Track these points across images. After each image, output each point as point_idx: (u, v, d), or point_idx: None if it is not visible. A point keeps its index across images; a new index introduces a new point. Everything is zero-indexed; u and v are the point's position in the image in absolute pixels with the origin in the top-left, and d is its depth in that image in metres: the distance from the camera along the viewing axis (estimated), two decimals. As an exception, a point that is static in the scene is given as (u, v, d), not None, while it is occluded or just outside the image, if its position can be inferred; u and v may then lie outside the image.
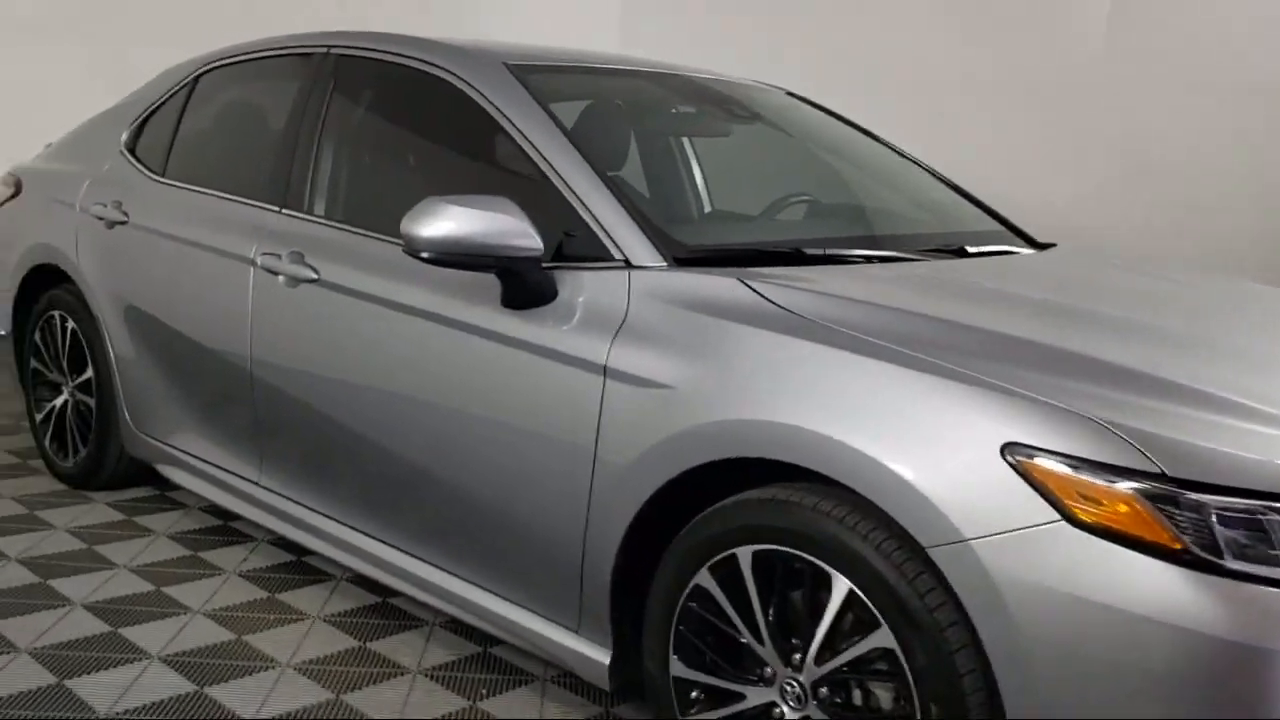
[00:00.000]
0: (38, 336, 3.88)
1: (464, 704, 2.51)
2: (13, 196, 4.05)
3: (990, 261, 2.72)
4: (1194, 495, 1.61)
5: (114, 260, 3.51)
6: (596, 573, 2.20)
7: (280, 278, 2.86)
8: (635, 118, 3.20)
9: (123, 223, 3.48)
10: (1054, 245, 3.07)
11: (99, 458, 3.68)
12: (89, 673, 2.55)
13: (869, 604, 1.80)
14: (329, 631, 2.82)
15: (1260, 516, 1.61)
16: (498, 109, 2.58)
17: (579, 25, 6.61)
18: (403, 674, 2.63)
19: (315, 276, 2.76)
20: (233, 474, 3.16)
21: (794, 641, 1.94)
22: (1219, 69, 5.68)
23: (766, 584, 1.95)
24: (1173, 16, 5.89)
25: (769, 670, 1.97)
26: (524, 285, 2.31)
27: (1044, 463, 1.66)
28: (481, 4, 6.93)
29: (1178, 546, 1.60)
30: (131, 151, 3.66)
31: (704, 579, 2.02)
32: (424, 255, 2.25)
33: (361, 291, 2.65)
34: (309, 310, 2.79)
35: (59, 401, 3.83)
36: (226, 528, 3.50)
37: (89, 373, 3.66)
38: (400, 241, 2.51)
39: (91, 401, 3.66)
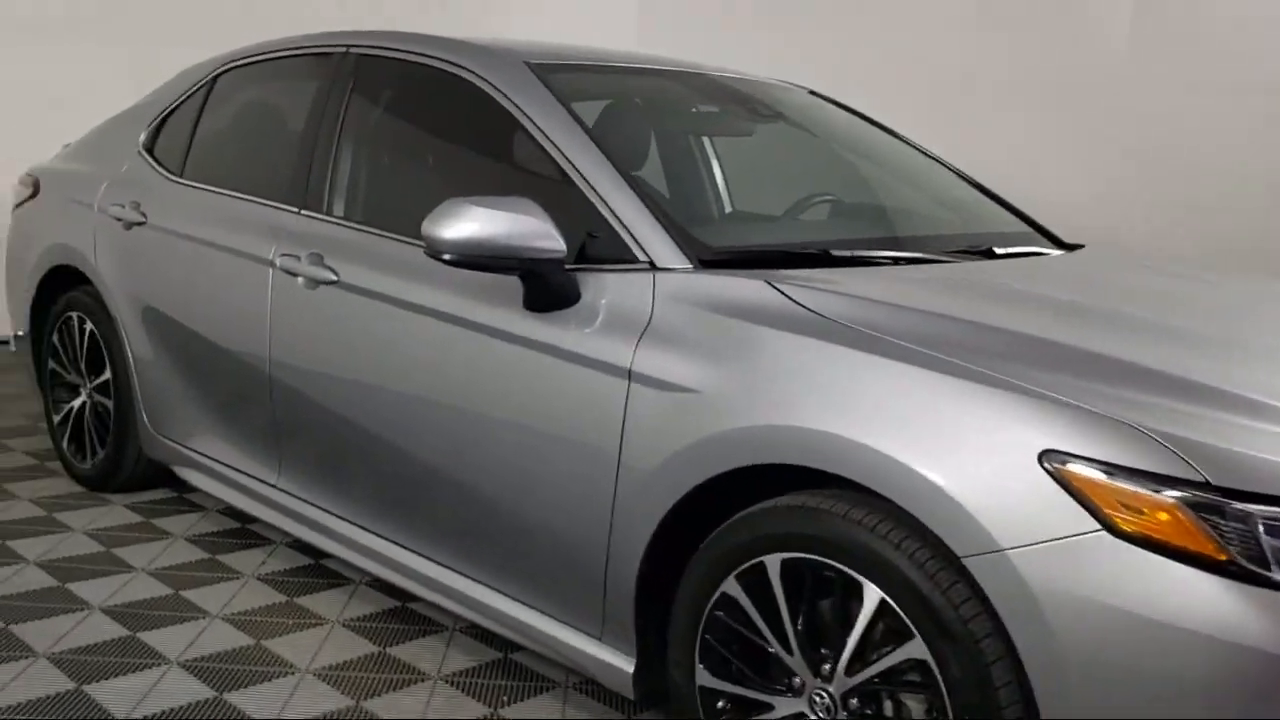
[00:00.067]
0: (56, 338, 3.87)
1: (485, 711, 2.48)
2: (31, 197, 4.04)
3: (1019, 263, 2.68)
4: (1240, 505, 1.56)
5: (132, 261, 3.50)
6: (620, 579, 2.16)
7: (299, 279, 2.83)
8: (656, 117, 3.17)
9: (141, 224, 3.46)
10: (1082, 246, 3.02)
11: (117, 460, 3.66)
12: (108, 678, 2.52)
13: (901, 614, 1.76)
14: (348, 636, 2.79)
15: None
16: (519, 109, 2.54)
17: (595, 24, 6.58)
18: (423, 680, 2.60)
19: (335, 278, 2.74)
20: (251, 477, 3.14)
21: (823, 651, 1.90)
22: (1242, 68, 5.62)
23: (795, 592, 1.91)
24: (1196, 15, 5.82)
25: (798, 680, 1.93)
26: (546, 287, 2.28)
27: (1083, 470, 1.62)
28: (497, 3, 6.91)
29: (1223, 558, 1.55)
30: (149, 152, 3.65)
31: (731, 587, 1.98)
32: (446, 257, 2.22)
33: (381, 293, 2.62)
34: (328, 312, 2.77)
35: (77, 403, 3.81)
36: (244, 530, 3.48)
37: (107, 374, 3.64)
38: (420, 243, 2.48)
39: (109, 403, 3.64)
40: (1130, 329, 2.14)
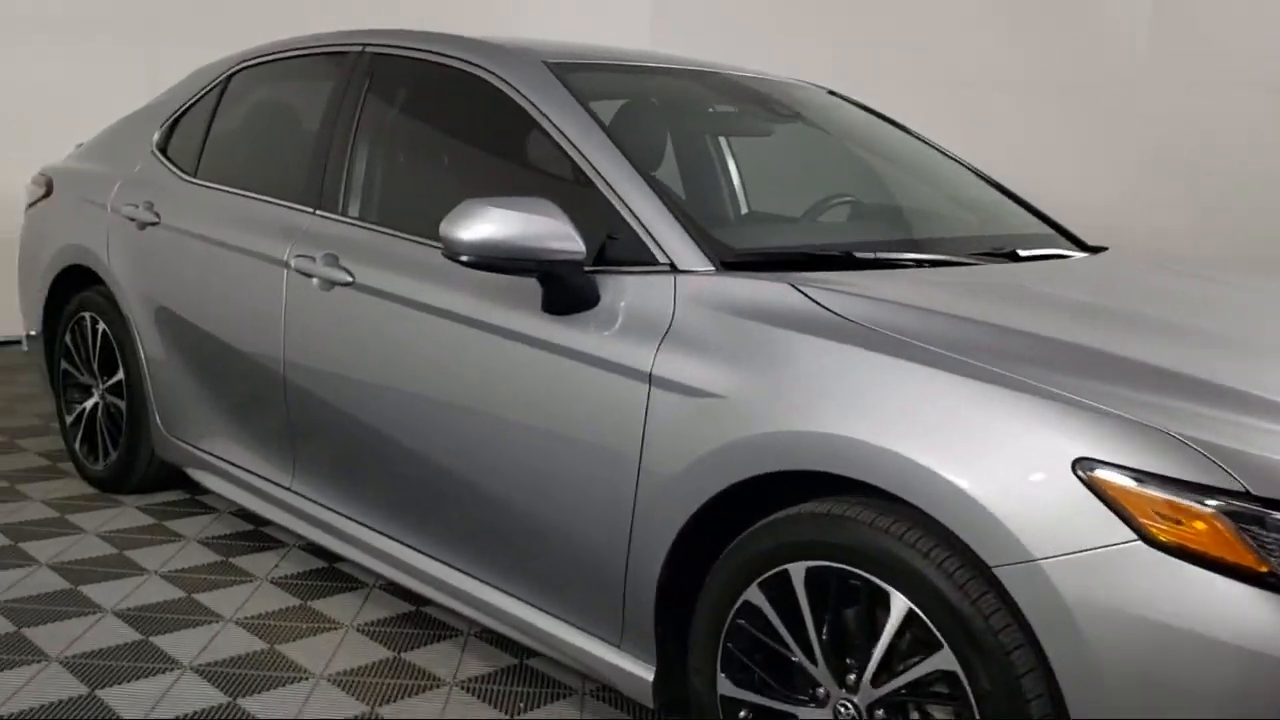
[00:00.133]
0: (68, 338, 3.85)
1: (502, 717, 2.45)
2: (44, 197, 4.02)
3: (1044, 266, 2.64)
4: (1281, 515, 1.52)
5: (145, 261, 3.48)
6: (640, 586, 2.13)
7: (314, 280, 2.81)
8: (674, 117, 3.14)
9: (154, 224, 3.44)
10: (1105, 249, 2.98)
11: (129, 461, 3.64)
12: (120, 682, 2.50)
13: (930, 624, 1.73)
14: (362, 641, 2.76)
15: None
16: (537, 108, 2.51)
17: (609, 24, 6.56)
18: (438, 686, 2.57)
19: (350, 279, 2.71)
20: (265, 479, 3.11)
21: (849, 661, 1.86)
22: (1263, 67, 5.56)
23: (820, 601, 1.87)
24: (1216, 14, 5.76)
25: (822, 690, 1.90)
26: (565, 289, 2.25)
27: (1118, 479, 1.58)
28: (508, 3, 6.89)
29: (1263, 569, 1.51)
30: (163, 152, 3.63)
31: (754, 595, 1.95)
32: (464, 258, 2.19)
33: (397, 295, 2.59)
34: (344, 314, 2.74)
35: (89, 404, 3.80)
36: (257, 533, 3.45)
37: (119, 375, 3.62)
38: (437, 244, 2.46)
39: (122, 404, 3.63)
40: (1160, 333, 2.10)
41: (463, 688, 2.57)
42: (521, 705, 2.50)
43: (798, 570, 1.88)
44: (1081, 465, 1.61)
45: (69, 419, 3.89)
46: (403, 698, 2.50)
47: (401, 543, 2.70)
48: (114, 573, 3.10)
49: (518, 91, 2.57)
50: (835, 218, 3.02)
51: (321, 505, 2.93)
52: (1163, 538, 1.55)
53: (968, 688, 1.70)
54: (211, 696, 2.46)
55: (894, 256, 2.42)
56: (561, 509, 2.27)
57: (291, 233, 2.94)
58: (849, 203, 3.07)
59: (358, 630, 2.82)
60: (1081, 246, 2.98)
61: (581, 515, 2.23)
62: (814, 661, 1.89)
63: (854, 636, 1.85)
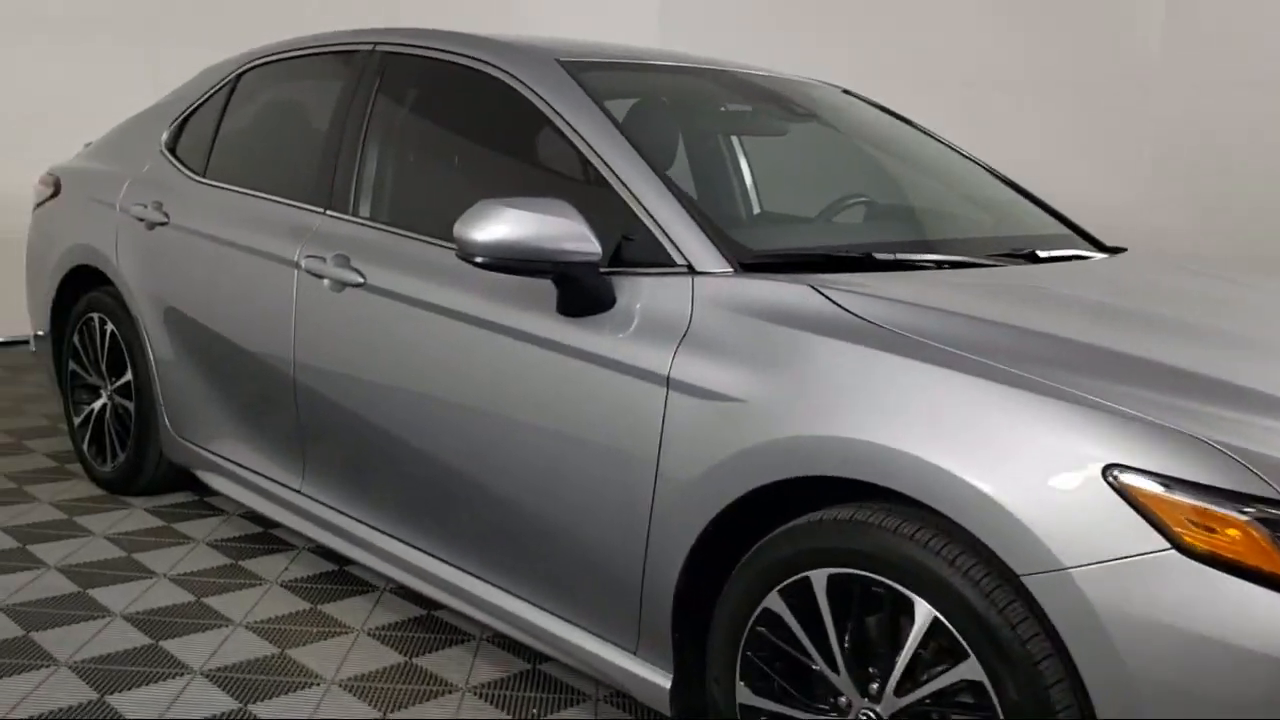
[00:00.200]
0: (76, 339, 3.83)
1: (515, 725, 2.42)
2: (52, 196, 4.00)
3: (1065, 267, 2.60)
4: (1318, 523, 1.49)
5: (154, 262, 3.45)
6: (657, 592, 2.10)
7: (325, 281, 2.78)
8: (688, 116, 3.11)
9: (163, 224, 3.42)
10: (1123, 249, 2.94)
11: (138, 463, 3.62)
12: (130, 688, 2.48)
13: (955, 633, 1.70)
14: (374, 646, 2.73)
15: None
16: (551, 107, 2.48)
17: (616, 23, 6.52)
18: (451, 691, 2.54)
19: (361, 280, 2.68)
20: (274, 481, 3.08)
21: (871, 670, 1.83)
22: (1268, 68, 5.51)
23: (842, 609, 1.84)
24: (1230, 15, 5.72)
25: (843, 700, 1.86)
26: (581, 291, 2.22)
27: (1150, 486, 1.55)
28: (515, 2, 6.86)
29: (1300, 579, 1.48)
30: (172, 151, 3.60)
31: (774, 602, 1.91)
32: (478, 260, 2.16)
33: (410, 296, 2.56)
34: (355, 315, 2.71)
35: (97, 405, 3.77)
36: (266, 535, 3.43)
37: (128, 376, 3.60)
38: (449, 244, 2.43)
39: (130, 405, 3.60)
40: (1185, 335, 2.07)
41: (475, 693, 2.54)
42: (535, 711, 2.47)
43: (819, 577, 1.85)
44: (1112, 471, 1.57)
45: (77, 420, 3.87)
46: (415, 703, 2.48)
47: (413, 546, 2.67)
48: (123, 575, 3.08)
49: (531, 90, 2.54)
50: (850, 218, 2.99)
51: (332, 508, 2.90)
52: (1196, 546, 1.52)
53: (995, 698, 1.66)
54: (222, 702, 2.43)
55: (913, 258, 2.38)
56: (576, 513, 2.24)
57: (302, 233, 2.92)
58: (864, 203, 3.04)
59: (369, 634, 2.80)
60: (1099, 247, 2.95)
61: (596, 519, 2.20)
62: (835, 670, 1.86)
63: (877, 645, 1.82)
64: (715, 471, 1.97)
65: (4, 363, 5.65)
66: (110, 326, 3.65)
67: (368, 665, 2.63)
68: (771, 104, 3.21)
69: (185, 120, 3.63)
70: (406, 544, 2.69)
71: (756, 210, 3.48)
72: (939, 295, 2.12)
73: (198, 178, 3.44)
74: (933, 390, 1.77)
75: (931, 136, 3.29)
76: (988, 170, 3.22)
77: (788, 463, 1.88)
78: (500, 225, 2.13)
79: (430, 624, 2.87)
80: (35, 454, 4.15)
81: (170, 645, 2.68)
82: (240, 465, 3.21)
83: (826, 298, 1.99)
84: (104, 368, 3.72)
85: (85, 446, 3.82)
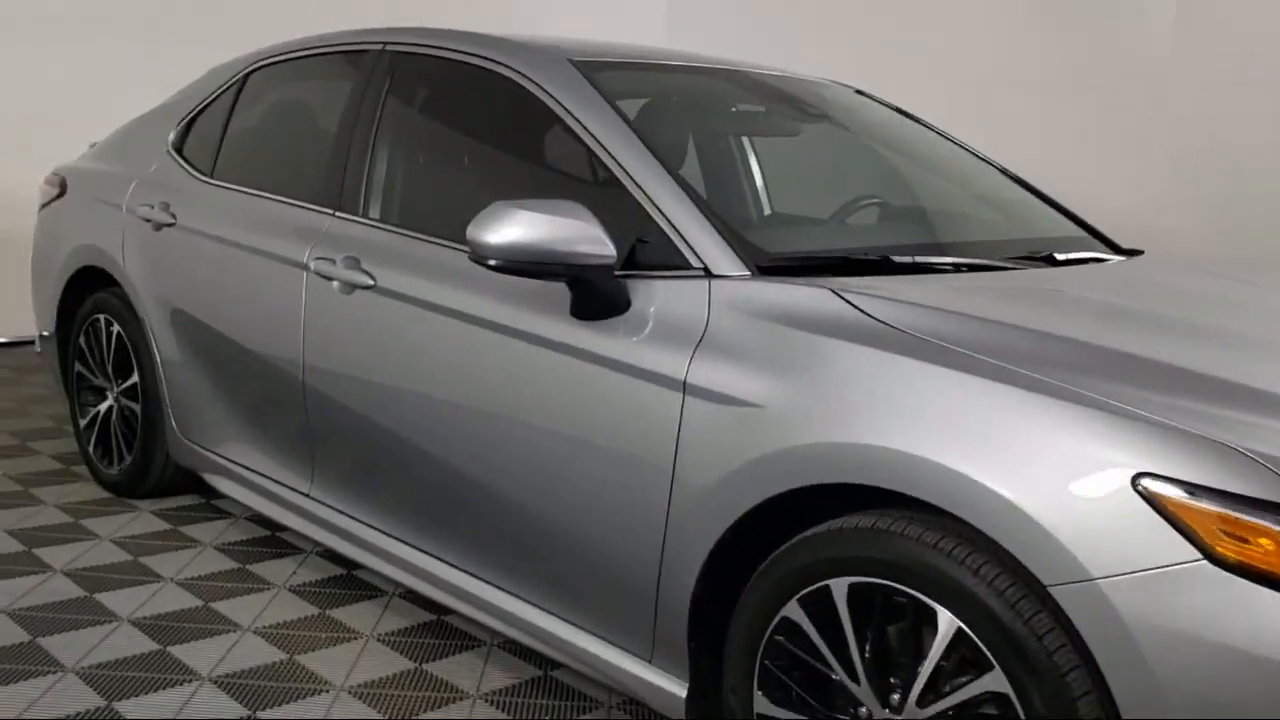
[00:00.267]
0: (82, 340, 3.80)
1: (527, 733, 2.40)
2: (58, 197, 3.97)
3: (1084, 270, 2.57)
4: (1353, 534, 1.46)
5: (161, 263, 3.43)
6: (673, 599, 2.07)
7: (334, 283, 2.75)
8: (701, 116, 3.08)
9: (170, 225, 3.39)
10: (1140, 252, 2.91)
11: (144, 465, 3.59)
12: (138, 694, 2.45)
13: (980, 644, 1.66)
14: (383, 652, 2.71)
15: None
16: (565, 108, 2.46)
17: (625, 23, 6.49)
18: (461, 698, 2.51)
19: (372, 283, 2.65)
20: (283, 485, 3.06)
21: (893, 680, 1.80)
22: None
23: (863, 618, 1.81)
24: (1241, 15, 5.68)
25: (864, 710, 1.83)
26: (595, 294, 2.19)
27: (1181, 495, 1.52)
28: (521, 1, 6.84)
29: (1337, 591, 1.45)
30: (179, 152, 3.58)
31: (793, 611, 1.88)
32: (491, 262, 2.13)
33: (421, 299, 2.53)
34: (365, 317, 2.68)
35: (103, 407, 3.75)
36: (274, 539, 3.40)
37: (134, 378, 3.57)
38: (460, 246, 2.41)
39: (137, 407, 3.58)
40: (1210, 340, 2.04)
41: (486, 700, 2.51)
42: (547, 718, 2.44)
43: (840, 586, 1.82)
44: (1141, 480, 1.54)
45: (83, 422, 3.84)
46: (426, 710, 2.45)
47: (424, 551, 2.64)
48: (130, 580, 3.05)
49: (544, 91, 2.51)
50: (863, 220, 2.96)
51: (341, 512, 2.87)
52: (1228, 556, 1.49)
53: (1020, 710, 1.63)
54: (231, 709, 2.41)
55: (932, 261, 2.35)
56: (589, 518, 2.21)
57: (311, 235, 2.89)
58: (877, 204, 3.01)
59: (378, 640, 2.77)
60: (1115, 249, 2.92)
61: (610, 525, 2.17)
62: (856, 680, 1.83)
63: (898, 655, 1.79)
64: (733, 478, 1.94)
65: (8, 363, 5.63)
66: (116, 328, 3.62)
67: (378, 671, 2.60)
68: (785, 104, 3.18)
69: (192, 120, 3.60)
70: (417, 549, 2.66)
71: (767, 211, 3.45)
72: (960, 299, 2.10)
73: (205, 178, 3.41)
74: (955, 396, 1.73)
75: (945, 137, 3.26)
76: (1001, 171, 3.19)
77: (807, 469, 1.85)
78: (514, 228, 2.10)
79: (440, 629, 2.84)
80: (41, 456, 4.13)
81: (178, 651, 2.66)
82: (248, 469, 3.19)
83: (847, 301, 1.96)
84: (110, 370, 3.70)
85: (91, 449, 3.80)
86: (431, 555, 2.62)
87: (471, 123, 2.88)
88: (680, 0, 7.13)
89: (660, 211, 2.21)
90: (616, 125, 2.38)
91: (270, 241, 3.01)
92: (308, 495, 2.97)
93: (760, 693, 1.96)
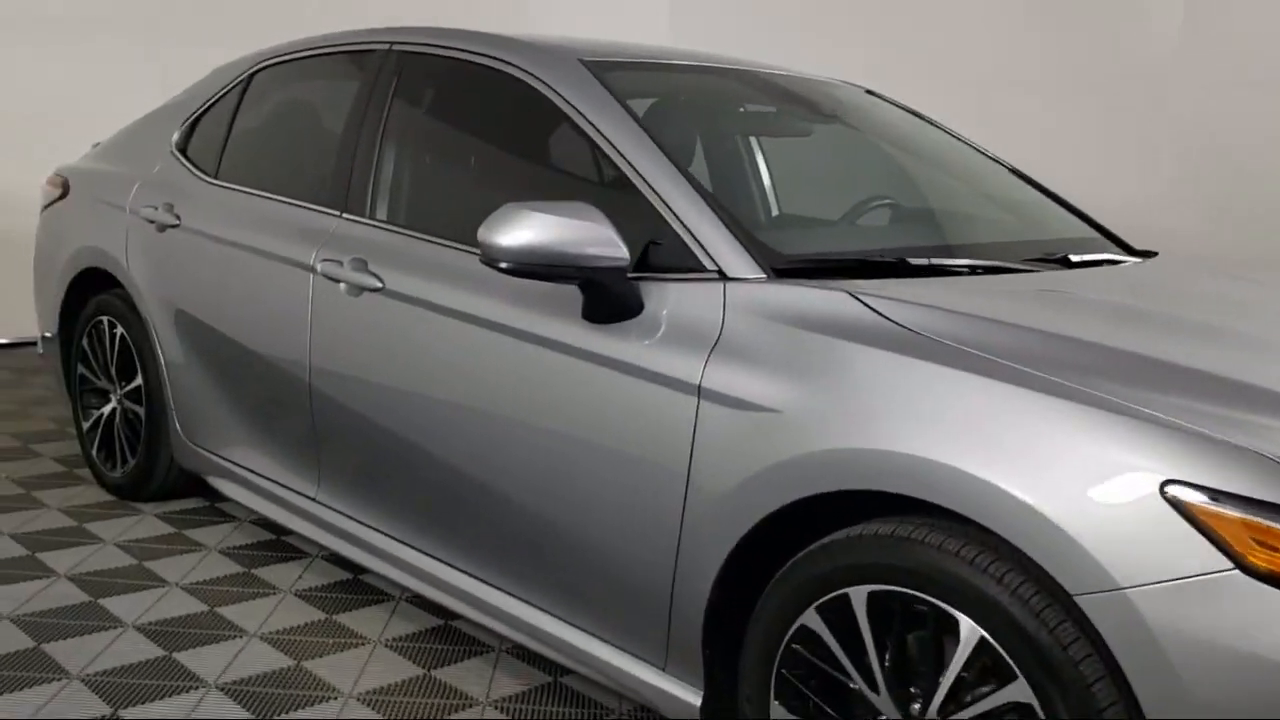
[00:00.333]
0: (85, 342, 3.77)
1: (538, 740, 2.37)
2: (60, 198, 3.94)
3: (1101, 273, 2.54)
4: (1389, 543, 1.43)
5: (165, 265, 3.40)
6: (688, 607, 2.04)
7: (341, 285, 2.72)
8: (712, 116, 3.05)
9: (174, 226, 3.36)
10: (1154, 254, 2.89)
11: (148, 468, 3.56)
12: (144, 702, 2.42)
13: (1003, 654, 1.64)
14: (391, 658, 2.68)
15: None
16: (575, 108, 2.43)
17: (628, 24, 6.46)
18: (471, 705, 2.48)
19: (380, 285, 2.62)
20: (289, 489, 3.03)
21: (913, 690, 1.77)
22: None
23: (883, 627, 1.78)
24: (1248, 15, 5.65)
25: (883, 720, 1.81)
26: (608, 297, 2.16)
27: (1211, 503, 1.49)
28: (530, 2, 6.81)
29: (1373, 602, 1.42)
30: (183, 152, 3.55)
31: (811, 619, 1.86)
32: (503, 265, 2.11)
33: (430, 301, 2.51)
34: (373, 320, 2.65)
35: (107, 409, 3.72)
36: (279, 542, 3.37)
37: (138, 380, 3.54)
38: (470, 248, 2.39)
39: (141, 410, 3.55)
40: (1234, 344, 2.02)
41: (496, 707, 2.48)
42: (558, 726, 2.42)
43: (859, 595, 1.79)
44: (1169, 487, 1.52)
45: (86, 424, 3.81)
46: (435, 717, 2.42)
47: (432, 556, 2.61)
48: (134, 585, 3.02)
49: (554, 91, 2.48)
50: (873, 221, 2.93)
51: (348, 516, 2.84)
52: (1260, 565, 1.46)
53: (1044, 721, 1.61)
54: (239, 717, 2.38)
55: (949, 263, 2.32)
56: (601, 524, 2.19)
57: (317, 236, 2.86)
58: (889, 205, 2.98)
59: (386, 645, 2.74)
60: (1128, 251, 2.89)
61: (623, 531, 2.14)
62: (875, 690, 1.80)
63: (919, 664, 1.76)
64: (749, 484, 1.91)
65: (10, 365, 5.60)
66: (120, 330, 3.59)
67: (386, 678, 2.58)
68: (795, 104, 3.16)
69: (196, 121, 3.57)
70: (425, 553, 2.63)
71: (775, 212, 3.42)
72: (979, 302, 2.07)
73: (209, 179, 3.38)
74: (976, 400, 1.71)
75: (956, 137, 3.23)
76: (1012, 170, 3.16)
77: (825, 476, 1.82)
78: (525, 230, 2.07)
79: (448, 635, 2.81)
80: (43, 458, 4.10)
81: (184, 657, 2.63)
82: (253, 472, 3.16)
83: (865, 304, 1.93)
84: (113, 372, 3.67)
85: (94, 451, 3.77)
86: (440, 560, 2.60)
87: (480, 123, 2.85)
88: (683, 2, 7.10)
89: (673, 213, 2.19)
90: (629, 126, 2.35)
91: (275, 243, 2.98)
92: (313, 499, 2.95)
93: (777, 701, 1.93)
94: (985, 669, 1.68)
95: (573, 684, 2.59)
